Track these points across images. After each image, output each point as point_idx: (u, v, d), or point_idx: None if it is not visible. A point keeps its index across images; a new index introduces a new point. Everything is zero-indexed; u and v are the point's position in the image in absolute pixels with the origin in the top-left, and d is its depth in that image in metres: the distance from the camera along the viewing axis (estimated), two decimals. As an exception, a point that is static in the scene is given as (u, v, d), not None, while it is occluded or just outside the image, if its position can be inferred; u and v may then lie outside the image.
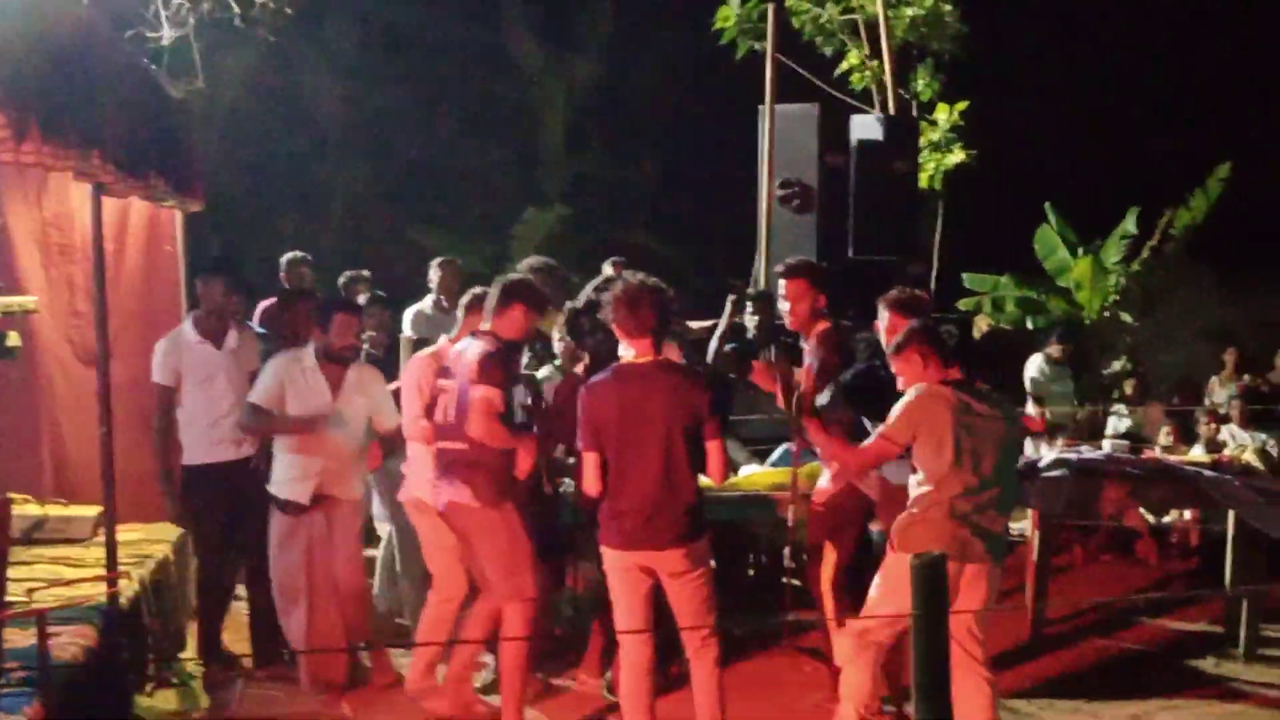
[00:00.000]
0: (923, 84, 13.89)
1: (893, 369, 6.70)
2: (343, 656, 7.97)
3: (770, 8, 11.57)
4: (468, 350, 7.16)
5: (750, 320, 9.68)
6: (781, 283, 7.81)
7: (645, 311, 6.49)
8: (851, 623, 6.81)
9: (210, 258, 9.10)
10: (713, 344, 9.55)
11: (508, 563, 7.17)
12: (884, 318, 7.39)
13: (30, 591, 5.58)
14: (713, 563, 6.75)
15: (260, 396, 7.85)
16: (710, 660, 6.63)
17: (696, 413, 6.46)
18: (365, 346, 8.99)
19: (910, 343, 6.59)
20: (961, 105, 13.88)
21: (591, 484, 6.61)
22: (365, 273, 11.00)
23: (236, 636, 8.67)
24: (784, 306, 7.80)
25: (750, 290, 10.33)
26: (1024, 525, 10.24)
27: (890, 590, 6.38)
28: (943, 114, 13.84)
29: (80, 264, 8.67)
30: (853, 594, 7.33)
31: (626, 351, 6.59)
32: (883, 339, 7.23)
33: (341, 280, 10.90)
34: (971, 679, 6.42)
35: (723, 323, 9.73)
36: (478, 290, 7.80)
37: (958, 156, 13.98)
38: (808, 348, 7.68)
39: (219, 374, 8.27)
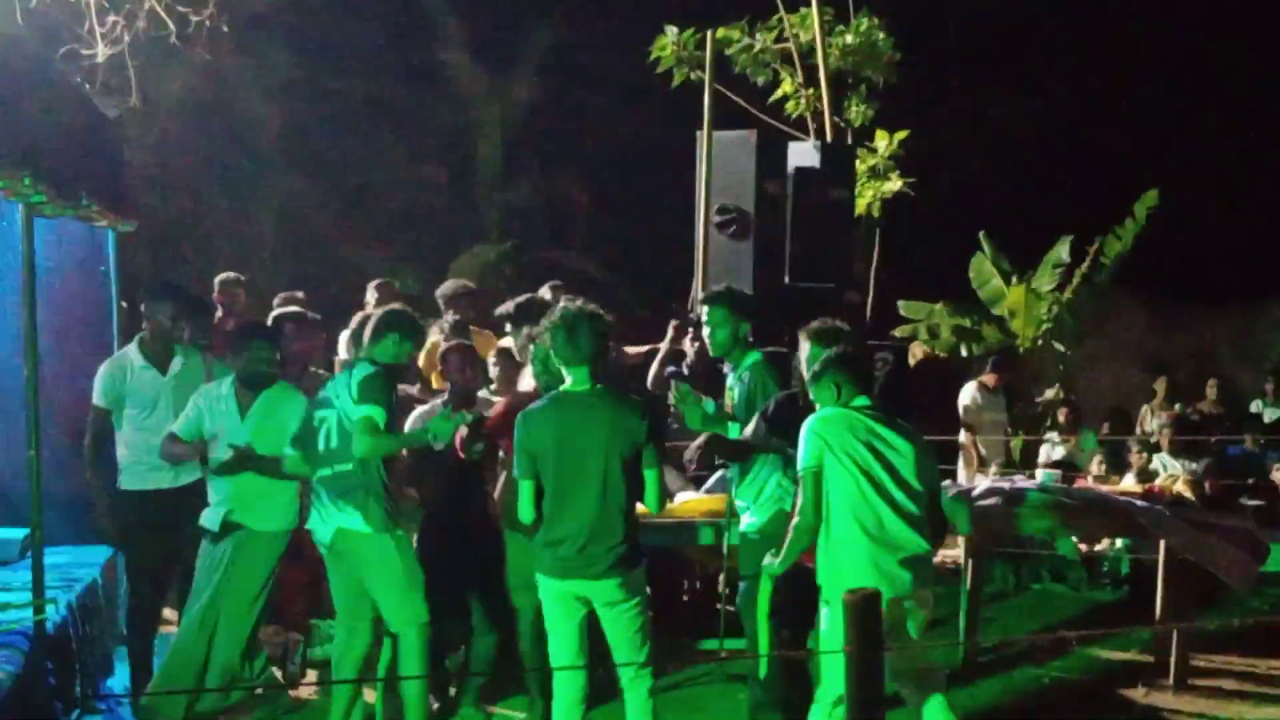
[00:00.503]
0: (856, 111, 13.95)
1: (810, 397, 6.74)
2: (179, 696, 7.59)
3: (708, 35, 11.59)
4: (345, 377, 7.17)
5: (690, 346, 9.69)
6: (704, 309, 7.84)
7: (584, 339, 6.46)
8: None
9: (159, 281, 8.91)
10: (653, 369, 9.56)
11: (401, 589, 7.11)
12: (804, 348, 7.42)
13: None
14: (648, 590, 6.72)
15: (178, 425, 7.73)
16: (644, 691, 6.58)
17: (634, 441, 6.43)
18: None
19: (825, 371, 6.62)
20: (902, 134, 13.97)
21: (527, 511, 6.55)
22: (299, 294, 10.88)
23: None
24: (705, 333, 7.86)
25: (692, 316, 10.33)
26: (957, 553, 10.28)
27: None
28: (883, 141, 13.91)
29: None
30: (790, 624, 7.35)
31: (566, 379, 6.57)
32: (804, 369, 7.24)
33: (276, 302, 10.77)
34: None
35: (664, 348, 9.74)
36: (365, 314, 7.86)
37: (895, 184, 14.03)
38: (731, 377, 7.73)
39: (161, 400, 8.09)
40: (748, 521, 7.57)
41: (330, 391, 7.22)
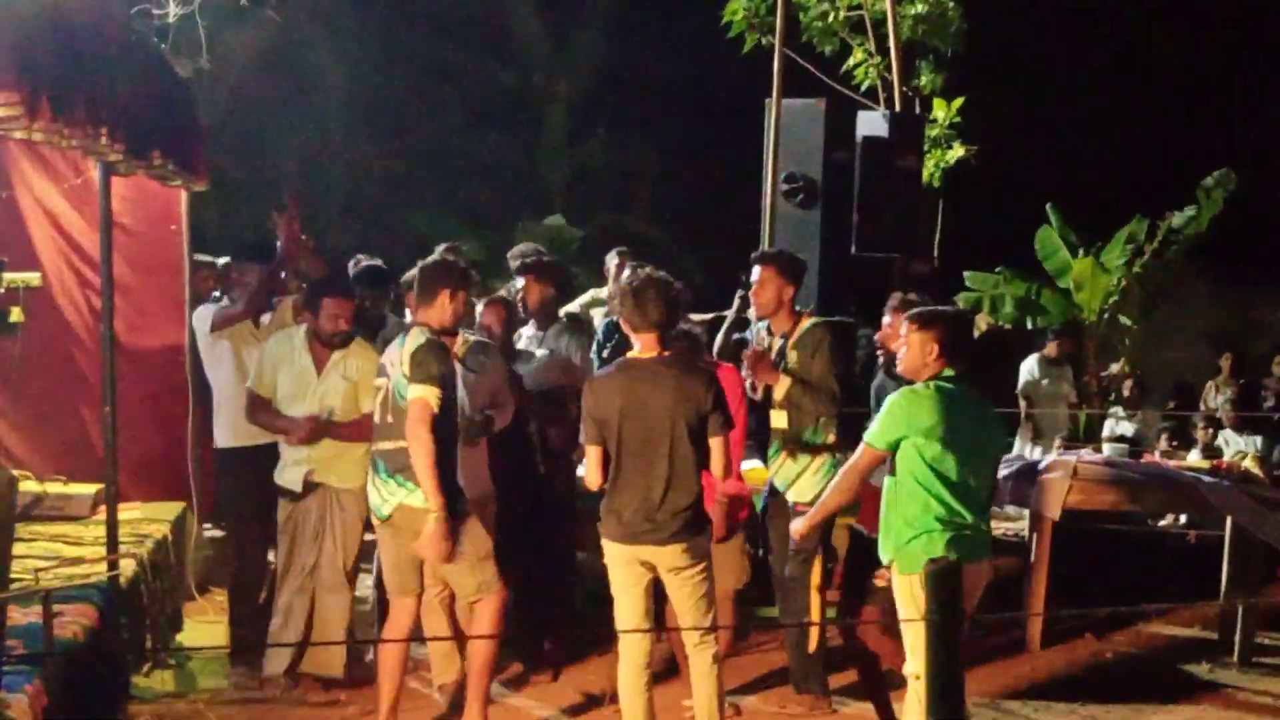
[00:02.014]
0: (925, 80, 13.85)
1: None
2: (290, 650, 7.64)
3: (779, 1, 11.54)
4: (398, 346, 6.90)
5: (752, 314, 9.68)
6: (754, 269, 7.82)
7: (651, 305, 6.46)
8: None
9: (248, 242, 8.85)
10: (719, 337, 9.55)
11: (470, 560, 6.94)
12: (888, 321, 7.37)
13: (37, 571, 5.54)
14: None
15: (254, 382, 7.72)
16: (708, 656, 6.60)
17: (700, 408, 6.43)
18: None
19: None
20: (959, 101, 13.86)
21: (594, 477, 6.59)
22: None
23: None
24: (752, 292, 7.85)
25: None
26: (1022, 527, 10.24)
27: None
28: (940, 110, 13.81)
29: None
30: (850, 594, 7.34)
31: (634, 345, 6.58)
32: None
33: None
34: None
35: (730, 315, 9.73)
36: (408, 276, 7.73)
37: (958, 152, 13.94)
38: (773, 339, 7.69)
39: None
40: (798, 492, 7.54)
41: (385, 359, 6.99)
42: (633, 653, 6.62)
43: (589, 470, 6.61)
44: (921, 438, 6.17)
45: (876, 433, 6.30)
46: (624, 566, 6.59)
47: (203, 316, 8.31)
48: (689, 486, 6.46)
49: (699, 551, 6.54)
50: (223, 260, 10.71)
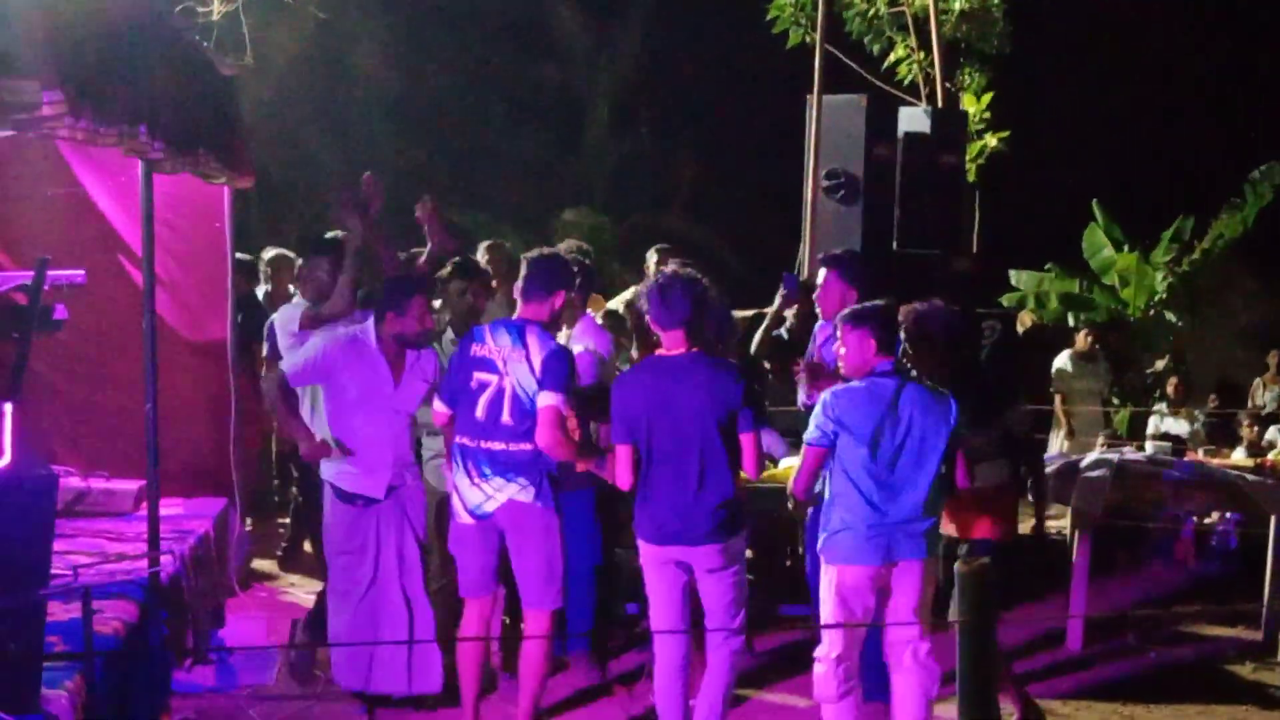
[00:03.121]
0: (968, 78, 13.81)
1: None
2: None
3: (822, -3, 11.53)
4: (519, 344, 6.79)
5: (789, 311, 9.65)
6: (820, 270, 7.83)
7: (676, 302, 6.40)
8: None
9: (317, 236, 8.74)
10: (759, 334, 9.53)
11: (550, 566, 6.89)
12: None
13: (76, 567, 5.58)
14: (749, 554, 6.72)
15: (293, 369, 7.32)
16: (728, 650, 6.57)
17: (730, 405, 6.38)
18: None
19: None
20: (988, 97, 13.79)
21: (623, 477, 6.54)
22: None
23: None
24: (816, 295, 7.85)
25: (797, 280, 10.29)
26: (1063, 524, 10.20)
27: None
28: (970, 105, 13.74)
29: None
30: None
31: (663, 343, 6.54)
32: None
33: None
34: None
35: (771, 312, 9.70)
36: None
37: (991, 142, 13.85)
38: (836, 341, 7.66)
39: None
40: None
41: (493, 354, 6.81)
42: (669, 654, 6.61)
43: (619, 471, 6.56)
44: (848, 434, 6.29)
45: (811, 432, 6.42)
46: (659, 567, 6.57)
47: (289, 316, 8.17)
48: (722, 486, 6.42)
49: (734, 552, 6.51)
50: (271, 253, 10.76)
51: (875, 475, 6.29)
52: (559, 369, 6.66)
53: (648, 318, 6.62)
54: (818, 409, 6.41)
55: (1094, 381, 13.74)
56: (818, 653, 6.46)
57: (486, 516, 6.83)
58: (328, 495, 7.38)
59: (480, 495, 6.81)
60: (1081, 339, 13.88)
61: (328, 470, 7.36)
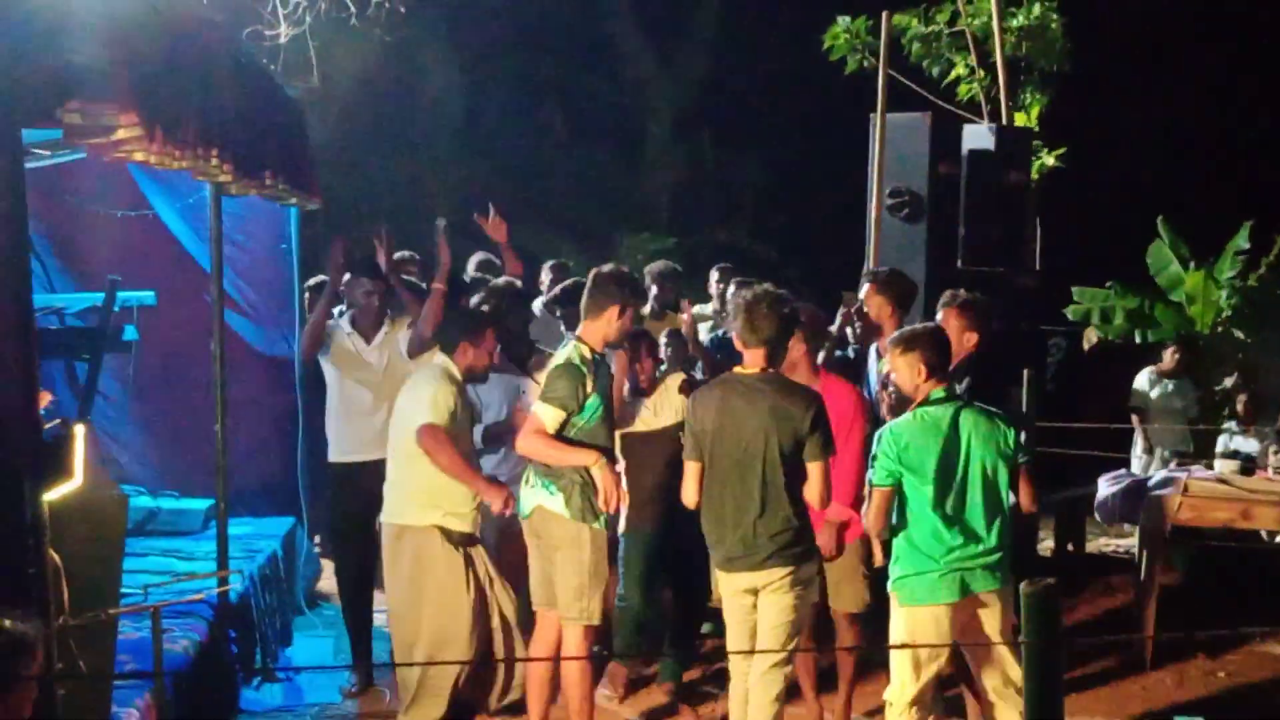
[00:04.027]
0: (1030, 97, 13.74)
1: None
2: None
3: (884, 15, 11.50)
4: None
5: (849, 330, 9.66)
6: (863, 286, 7.81)
7: (760, 321, 6.33)
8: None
9: (361, 258, 8.85)
10: (821, 354, 9.51)
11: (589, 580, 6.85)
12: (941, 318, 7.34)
13: (146, 587, 5.65)
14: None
15: (447, 420, 7.05)
16: (773, 690, 6.40)
17: (795, 429, 6.27)
18: None
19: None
20: (1036, 108, 13.69)
21: (690, 494, 6.49)
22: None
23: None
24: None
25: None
26: (1131, 543, 10.11)
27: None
28: (1021, 120, 13.67)
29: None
30: None
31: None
32: None
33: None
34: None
35: (833, 331, 9.67)
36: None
37: (1047, 160, 13.76)
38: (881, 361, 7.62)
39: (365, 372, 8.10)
40: None
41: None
42: (739, 681, 6.54)
43: (686, 486, 6.52)
44: (910, 472, 6.20)
45: (876, 473, 6.30)
46: (731, 597, 6.53)
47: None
48: (784, 510, 6.32)
49: (799, 579, 6.39)
50: (313, 281, 10.83)
51: (942, 511, 6.20)
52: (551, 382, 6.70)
53: (733, 334, 6.60)
54: (877, 447, 6.31)
55: (1179, 399, 13.64)
56: (888, 695, 6.36)
57: (526, 519, 6.92)
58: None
59: (525, 497, 6.90)
60: (1169, 356, 13.77)
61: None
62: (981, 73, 13.38)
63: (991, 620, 6.29)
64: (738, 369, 6.50)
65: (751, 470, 6.29)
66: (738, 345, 6.51)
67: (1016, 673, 6.20)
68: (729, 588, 6.50)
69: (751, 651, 6.42)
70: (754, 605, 6.46)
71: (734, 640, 6.56)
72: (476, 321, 7.35)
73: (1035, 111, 13.60)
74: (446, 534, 7.08)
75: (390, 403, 7.40)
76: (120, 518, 5.37)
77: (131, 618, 5.78)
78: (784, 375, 6.53)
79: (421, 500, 7.05)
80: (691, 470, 6.48)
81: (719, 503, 6.40)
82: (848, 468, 6.91)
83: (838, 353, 9.29)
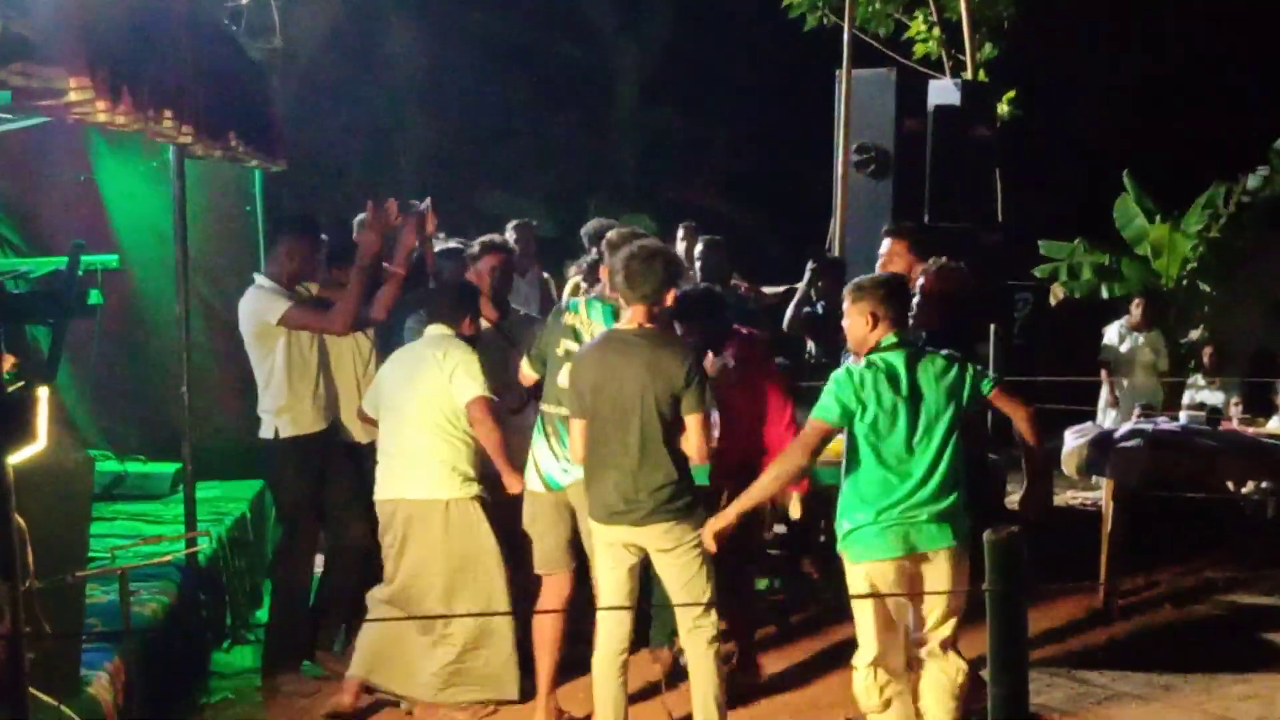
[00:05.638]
0: (984, 51, 13.72)
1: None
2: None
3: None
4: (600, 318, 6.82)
5: (812, 290, 9.65)
6: (884, 241, 7.78)
7: (637, 276, 6.21)
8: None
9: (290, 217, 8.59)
10: (789, 311, 9.54)
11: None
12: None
13: (113, 550, 5.64)
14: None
15: (487, 390, 7.07)
16: (703, 640, 6.34)
17: (672, 383, 6.16)
18: None
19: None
20: (986, 52, 13.60)
21: (577, 450, 6.44)
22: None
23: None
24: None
25: (828, 256, 10.28)
26: (1098, 495, 10.17)
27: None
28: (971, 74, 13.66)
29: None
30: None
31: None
32: None
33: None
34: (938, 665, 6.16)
35: (801, 289, 9.69)
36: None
37: (1003, 108, 13.69)
38: None
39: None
40: None
41: (583, 328, 6.83)
42: (609, 637, 6.46)
43: (573, 443, 6.48)
44: (859, 420, 5.96)
45: (817, 408, 6.05)
46: (606, 547, 6.44)
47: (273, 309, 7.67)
48: (663, 464, 6.21)
49: (684, 531, 6.27)
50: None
51: (890, 462, 5.93)
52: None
53: (609, 286, 6.53)
54: (828, 386, 6.05)
55: (1149, 352, 13.68)
56: (855, 659, 6.15)
57: (559, 489, 6.84)
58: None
59: (557, 466, 6.82)
60: (1135, 310, 13.81)
61: None
62: (937, 31, 13.40)
63: (939, 580, 5.98)
64: (616, 325, 6.44)
65: (630, 425, 6.20)
66: (620, 302, 6.42)
67: (949, 635, 6.10)
68: (604, 539, 6.39)
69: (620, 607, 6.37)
70: (631, 559, 6.38)
71: (606, 596, 6.45)
72: (472, 295, 7.38)
73: (982, 56, 13.58)
74: (483, 502, 7.13)
75: (323, 374, 7.48)
76: (86, 480, 5.36)
77: (100, 581, 5.78)
78: (662, 330, 6.40)
79: (464, 472, 7.08)
80: (577, 426, 6.40)
81: (600, 458, 6.31)
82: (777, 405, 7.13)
83: (805, 309, 9.34)
